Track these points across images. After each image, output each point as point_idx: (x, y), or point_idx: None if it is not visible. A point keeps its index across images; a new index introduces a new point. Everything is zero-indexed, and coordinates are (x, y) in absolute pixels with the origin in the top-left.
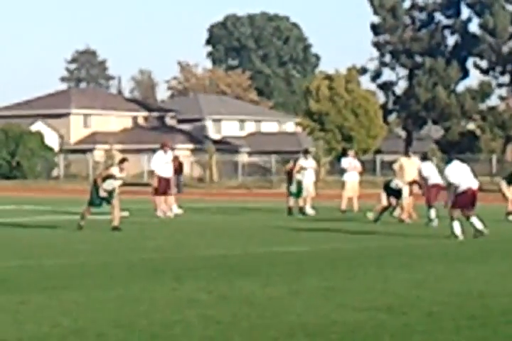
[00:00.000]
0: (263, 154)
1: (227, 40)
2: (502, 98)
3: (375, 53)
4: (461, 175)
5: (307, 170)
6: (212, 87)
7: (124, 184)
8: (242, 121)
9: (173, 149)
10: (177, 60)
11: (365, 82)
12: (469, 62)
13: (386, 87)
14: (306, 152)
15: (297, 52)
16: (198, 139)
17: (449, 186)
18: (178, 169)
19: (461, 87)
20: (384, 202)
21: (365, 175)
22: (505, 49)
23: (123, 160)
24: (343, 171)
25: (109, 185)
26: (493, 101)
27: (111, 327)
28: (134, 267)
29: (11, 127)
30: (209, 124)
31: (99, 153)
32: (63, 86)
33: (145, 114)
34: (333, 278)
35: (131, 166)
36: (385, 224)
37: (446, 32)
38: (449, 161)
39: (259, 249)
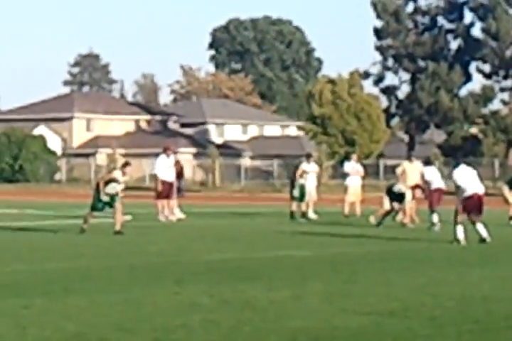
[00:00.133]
0: (266, 158)
1: (230, 44)
2: (505, 102)
3: (378, 57)
4: (467, 179)
5: (309, 175)
6: (215, 90)
7: (127, 188)
8: (244, 125)
9: (175, 153)
10: (180, 64)
11: (368, 86)
12: (472, 67)
13: (389, 91)
14: (308, 156)
15: (300, 56)
16: (200, 143)
17: (457, 189)
18: (180, 173)
19: (463, 91)
20: (386, 206)
21: (368, 179)
22: (508, 53)
23: (126, 164)
24: (345, 175)
25: (111, 188)
26: (495, 105)
27: (113, 331)
28: (137, 271)
29: (14, 131)
30: (212, 128)
31: (101, 157)
32: (66, 90)
33: (148, 117)
34: (336, 282)
35: (133, 170)
36: (387, 228)
37: (449, 36)
38: (456, 165)
39: (261, 253)
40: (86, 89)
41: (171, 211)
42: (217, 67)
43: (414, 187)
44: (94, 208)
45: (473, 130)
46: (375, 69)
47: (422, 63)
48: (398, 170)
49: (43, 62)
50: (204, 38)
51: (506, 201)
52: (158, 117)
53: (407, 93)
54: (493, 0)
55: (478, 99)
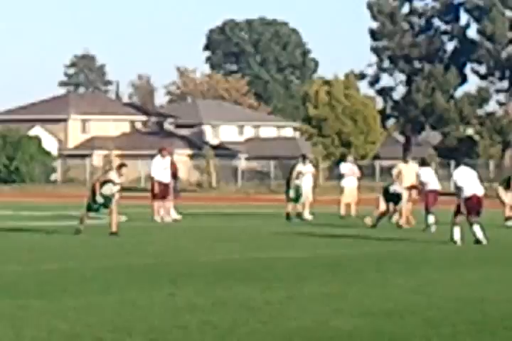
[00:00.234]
0: (261, 159)
1: (226, 46)
2: (500, 103)
3: (374, 59)
4: (467, 180)
5: (305, 176)
6: (210, 92)
7: (122, 189)
8: (240, 126)
9: (171, 154)
10: (175, 65)
11: (364, 88)
12: (468, 68)
13: (384, 92)
14: (304, 157)
15: (296, 57)
16: (196, 144)
17: (458, 190)
18: (174, 174)
19: (459, 93)
20: (382, 207)
21: (364, 181)
22: (503, 54)
23: (121, 166)
24: (341, 177)
25: (107, 189)
26: (491, 106)
27: (109, 332)
28: (132, 272)
29: (10, 132)
30: (207, 129)
31: (97, 158)
32: (62, 91)
33: (143, 119)
34: (332, 283)
35: (129, 171)
36: (383, 229)
37: (445, 37)
38: (456, 166)
39: (257, 254)
40: (82, 90)
41: (167, 212)
42: (212, 68)
43: (410, 188)
44: (89, 209)
45: (469, 131)
46: (370, 71)
47: (417, 64)
48: (394, 172)
49: (38, 63)
50: (200, 39)
51: (502, 202)
52: (154, 118)
53: (402, 94)
54: (488, 1)
55: (473, 101)
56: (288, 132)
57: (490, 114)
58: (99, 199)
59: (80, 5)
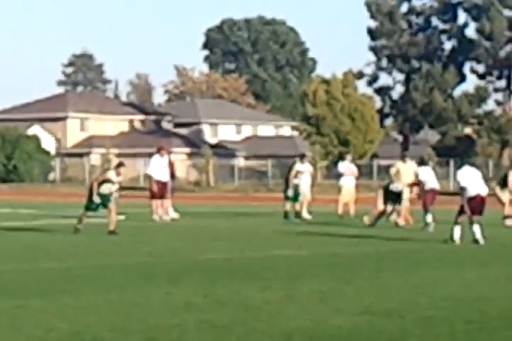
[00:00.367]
0: (260, 158)
1: (224, 44)
2: (498, 102)
3: (372, 58)
4: (471, 180)
5: (304, 175)
6: (208, 91)
7: (121, 188)
8: (238, 125)
9: (169, 153)
10: (174, 64)
11: (362, 87)
12: (466, 67)
13: (383, 91)
14: (302, 156)
15: (294, 56)
16: (194, 143)
17: (461, 191)
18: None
19: (457, 92)
20: (380, 206)
21: (362, 180)
22: (501, 53)
23: (120, 165)
24: (339, 176)
25: (105, 189)
26: (489, 105)
27: (107, 331)
28: (130, 271)
29: (8, 131)
30: (205, 128)
31: (95, 157)
32: (60, 89)
33: (142, 117)
34: (330, 282)
35: (127, 170)
36: (381, 228)
37: (443, 36)
38: (460, 166)
39: (255, 252)
40: (80, 89)
41: (165, 211)
42: (211, 67)
43: (411, 185)
44: (88, 208)
45: (467, 130)
46: (369, 70)
47: (416, 63)
48: (392, 171)
49: (37, 62)
50: (198, 38)
51: (500, 201)
52: (152, 117)
53: (400, 93)
54: (487, 0)
55: (472, 100)
56: (286, 131)
57: (488, 113)
58: (97, 200)
59: (78, 4)
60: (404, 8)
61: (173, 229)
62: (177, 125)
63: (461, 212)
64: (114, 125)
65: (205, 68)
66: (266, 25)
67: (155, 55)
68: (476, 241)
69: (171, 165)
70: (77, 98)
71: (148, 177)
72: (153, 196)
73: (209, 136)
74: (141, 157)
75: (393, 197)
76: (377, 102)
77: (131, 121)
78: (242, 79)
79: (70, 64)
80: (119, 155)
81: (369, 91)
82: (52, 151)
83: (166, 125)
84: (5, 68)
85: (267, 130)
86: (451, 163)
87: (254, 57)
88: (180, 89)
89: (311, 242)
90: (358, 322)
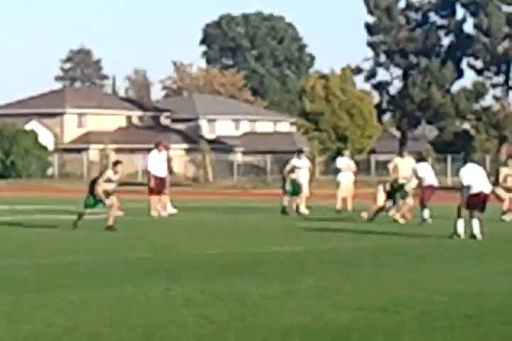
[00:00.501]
0: (258, 154)
1: (222, 40)
2: (496, 98)
3: (370, 53)
4: (474, 177)
5: (302, 170)
6: (206, 86)
7: (119, 184)
8: (236, 120)
9: (167, 149)
10: (172, 60)
11: (360, 82)
12: (464, 63)
13: (381, 86)
14: (299, 152)
15: (292, 52)
16: (192, 139)
17: (463, 188)
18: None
19: (455, 87)
20: (380, 202)
21: (360, 175)
22: (499, 49)
23: (117, 163)
24: (337, 171)
25: (108, 187)
26: (487, 101)
27: (105, 327)
28: (129, 266)
29: (6, 126)
30: (203, 124)
31: (93, 153)
32: (58, 85)
33: (140, 113)
34: (328, 277)
35: (125, 166)
36: (379, 224)
37: (441, 32)
38: (464, 163)
39: (253, 248)
40: (78, 84)
41: (164, 206)
42: (209, 62)
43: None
44: (86, 205)
45: (465, 126)
46: (367, 65)
47: (413, 59)
48: (390, 166)
49: (34, 57)
50: (196, 33)
51: (498, 197)
52: (150, 113)
53: (398, 89)
54: None
55: (469, 95)
56: (284, 127)
57: (486, 109)
58: (100, 197)
59: (76, 0)
60: (402, 3)
61: (171, 225)
62: (175, 121)
63: (464, 206)
64: (112, 120)
65: (203, 64)
66: (264, 20)
67: (153, 51)
68: (473, 235)
69: (169, 160)
70: (75, 94)
71: (146, 173)
72: (151, 191)
73: (207, 132)
74: (139, 152)
75: (394, 194)
76: (375, 98)
77: (129, 117)
78: (240, 75)
79: (68, 59)
80: (117, 151)
81: (367, 86)
82: (50, 147)
83: (164, 121)
84: (3, 64)
85: (264, 126)
86: (449, 158)
87: (252, 53)
88: (178, 84)
89: (309, 237)
90: (356, 317)
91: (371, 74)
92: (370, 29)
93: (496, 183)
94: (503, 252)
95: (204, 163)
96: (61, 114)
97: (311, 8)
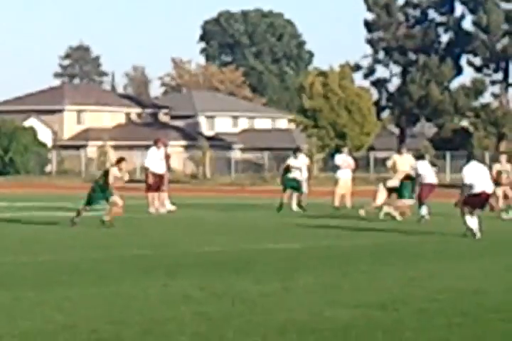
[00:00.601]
0: (256, 151)
1: (221, 37)
2: (495, 95)
3: (369, 50)
4: (477, 176)
5: (300, 167)
6: (205, 83)
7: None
8: (235, 117)
9: (166, 146)
10: (170, 57)
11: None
12: (463, 60)
13: (379, 83)
14: (296, 150)
15: (291, 48)
16: (191, 136)
17: (463, 186)
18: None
19: (454, 84)
20: (379, 201)
21: (358, 172)
22: (498, 46)
23: (121, 160)
24: (336, 168)
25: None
26: (486, 98)
27: (103, 323)
28: (127, 263)
29: (4, 123)
30: (202, 121)
31: (92, 150)
32: (57, 82)
33: (138, 110)
34: (326, 274)
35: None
36: (378, 221)
37: (440, 29)
38: (467, 161)
39: (251, 245)
40: (77, 81)
41: (162, 203)
42: (207, 59)
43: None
44: (89, 203)
45: (464, 123)
46: (365, 62)
47: (412, 56)
48: (389, 163)
49: (33, 54)
50: (195, 30)
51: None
52: (148, 110)
53: (397, 86)
54: None
55: (468, 92)
56: (283, 123)
57: (485, 106)
58: (107, 195)
59: None
60: (401, 0)
61: (169, 222)
62: (173, 117)
63: (466, 203)
64: (111, 117)
65: (201, 60)
66: (263, 17)
67: (151, 48)
68: (472, 233)
69: (167, 157)
70: (73, 90)
71: (144, 170)
72: (149, 188)
73: (206, 129)
74: (138, 149)
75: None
76: (374, 95)
77: (127, 114)
78: (239, 72)
79: (67, 56)
80: (115, 148)
81: (366, 83)
82: (49, 144)
83: (163, 117)
84: (2, 60)
85: (263, 122)
86: (448, 155)
87: (251, 50)
88: (176, 81)
89: (307, 235)
90: (354, 314)
91: (370, 71)
92: (369, 26)
93: (497, 183)
94: (501, 250)
95: (203, 160)
96: (60, 111)
97: (310, 5)
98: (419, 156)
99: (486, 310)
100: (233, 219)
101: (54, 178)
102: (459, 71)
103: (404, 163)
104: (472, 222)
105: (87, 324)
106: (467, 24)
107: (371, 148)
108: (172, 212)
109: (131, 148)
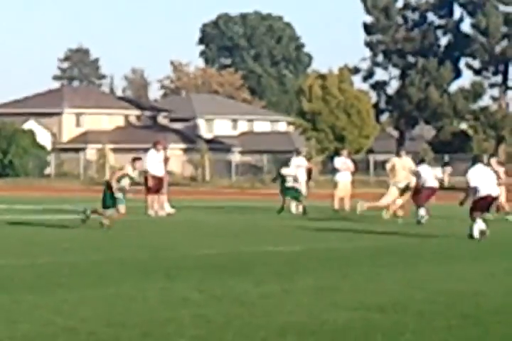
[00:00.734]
0: (255, 153)
1: (220, 40)
2: (494, 98)
3: (368, 53)
4: (482, 179)
5: (299, 170)
6: (204, 86)
7: (134, 183)
8: (234, 120)
9: (165, 148)
10: (169, 59)
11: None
12: (462, 62)
13: (378, 86)
14: (297, 153)
15: (290, 51)
16: (190, 138)
17: (470, 189)
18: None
19: (453, 87)
20: (384, 202)
21: (358, 175)
22: (497, 49)
23: (136, 159)
24: (335, 171)
25: (124, 183)
26: (485, 101)
27: (102, 326)
28: (126, 266)
29: (4, 125)
30: (201, 123)
31: (91, 152)
32: (56, 84)
33: (137, 113)
34: (325, 277)
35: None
36: (377, 223)
37: (439, 32)
38: (472, 164)
39: (251, 248)
40: (76, 84)
41: (161, 206)
42: (206, 62)
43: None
44: (105, 206)
45: (463, 126)
46: (364, 65)
47: (411, 59)
48: (388, 166)
49: (33, 56)
50: (194, 33)
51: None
52: (147, 112)
53: (396, 89)
54: None
55: (467, 95)
56: (282, 126)
57: (484, 109)
58: (118, 195)
59: None
60: (400, 3)
61: (168, 224)
62: (172, 120)
63: (474, 208)
64: (110, 120)
65: (200, 63)
66: (262, 20)
67: (151, 50)
68: (471, 236)
69: (166, 160)
70: (72, 93)
71: (144, 172)
72: (148, 191)
73: (205, 131)
74: (137, 152)
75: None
76: (373, 98)
77: (126, 116)
78: (238, 75)
79: (66, 59)
80: (114, 151)
81: (365, 86)
82: (48, 146)
83: (162, 120)
84: (1, 63)
85: (262, 125)
86: (447, 158)
87: (249, 53)
88: (175, 84)
89: (306, 237)
90: (354, 317)
91: (369, 74)
92: (367, 29)
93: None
94: (502, 252)
95: (202, 163)
96: (59, 114)
97: (309, 8)
98: (420, 160)
99: (485, 312)
100: (232, 222)
101: (53, 181)
102: (458, 74)
103: (403, 165)
104: (482, 225)
105: (86, 326)
106: (466, 27)
107: (370, 151)
108: (171, 215)
109: (130, 150)
